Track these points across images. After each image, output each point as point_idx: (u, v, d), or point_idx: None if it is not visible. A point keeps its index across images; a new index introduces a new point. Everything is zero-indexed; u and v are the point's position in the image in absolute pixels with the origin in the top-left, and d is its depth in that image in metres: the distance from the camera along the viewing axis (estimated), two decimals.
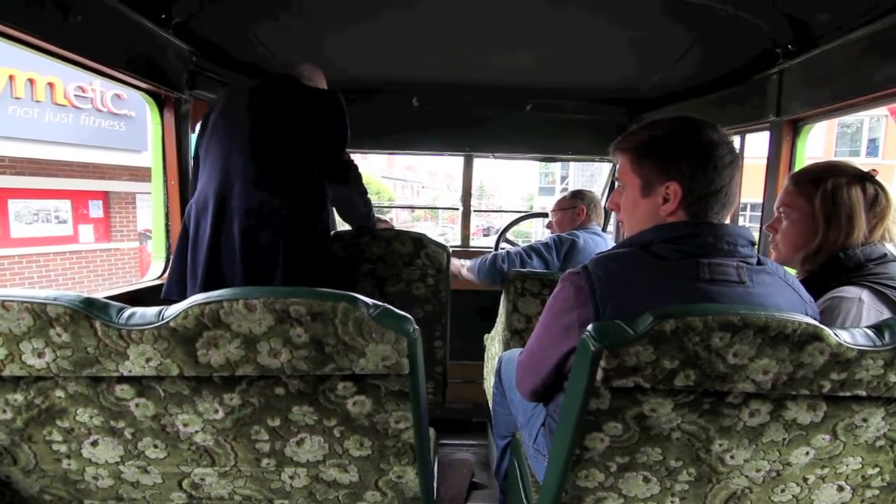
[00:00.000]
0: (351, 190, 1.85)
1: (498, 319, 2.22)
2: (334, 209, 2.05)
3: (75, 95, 7.49)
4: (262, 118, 1.65)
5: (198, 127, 1.96)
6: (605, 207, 2.90)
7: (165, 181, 1.84)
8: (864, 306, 1.02)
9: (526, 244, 2.28)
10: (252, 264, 1.57)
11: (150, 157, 1.91)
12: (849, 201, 1.12)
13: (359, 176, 1.86)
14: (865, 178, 1.14)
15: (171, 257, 1.70)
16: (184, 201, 1.86)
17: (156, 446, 0.85)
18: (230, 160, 1.61)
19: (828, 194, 1.13)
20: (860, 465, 0.86)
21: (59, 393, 0.79)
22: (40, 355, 0.74)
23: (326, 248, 1.77)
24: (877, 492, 0.90)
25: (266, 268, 1.59)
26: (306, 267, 1.65)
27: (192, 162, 1.90)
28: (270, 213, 1.58)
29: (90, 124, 7.76)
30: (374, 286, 2.05)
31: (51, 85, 7.22)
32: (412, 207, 24.98)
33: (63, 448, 0.85)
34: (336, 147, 1.73)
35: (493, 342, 2.29)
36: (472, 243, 3.33)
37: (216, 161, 1.63)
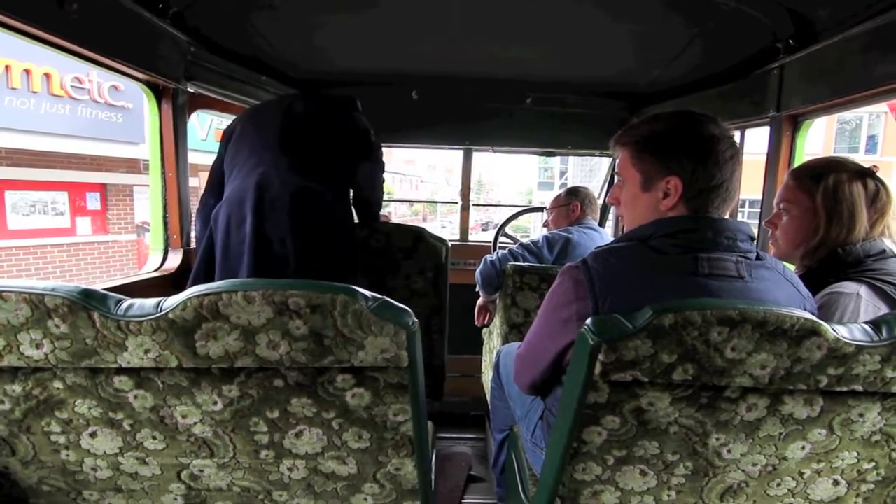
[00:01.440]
0: (377, 167, 1.95)
1: (496, 313, 2.22)
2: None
3: (72, 86, 7.43)
4: (291, 117, 1.71)
5: (191, 118, 1.95)
6: (604, 202, 2.90)
7: (164, 173, 1.83)
8: (862, 302, 1.02)
9: (517, 244, 2.29)
10: (305, 245, 1.59)
11: (147, 148, 1.90)
12: (850, 197, 1.12)
13: (382, 154, 1.98)
14: (866, 174, 1.14)
15: (195, 264, 1.68)
16: (182, 193, 1.85)
17: (154, 438, 0.85)
18: (265, 158, 1.63)
19: (829, 190, 1.13)
20: (856, 460, 0.87)
21: (58, 384, 0.79)
22: (38, 346, 0.74)
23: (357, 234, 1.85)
24: (872, 486, 0.90)
25: (317, 248, 1.62)
26: (352, 248, 1.73)
27: (189, 155, 1.89)
28: (315, 195, 1.63)
29: (87, 115, 7.70)
30: (373, 279, 2.05)
31: (47, 75, 7.15)
32: (410, 201, 24.93)
33: (61, 439, 0.85)
34: (363, 128, 1.82)
35: (492, 336, 2.30)
36: (470, 237, 3.33)
37: (247, 162, 1.65)
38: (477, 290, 2.31)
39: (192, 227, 1.87)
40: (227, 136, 1.75)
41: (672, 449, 0.86)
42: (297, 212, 1.57)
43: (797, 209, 1.19)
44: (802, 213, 1.17)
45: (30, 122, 7.07)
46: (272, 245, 1.57)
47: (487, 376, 2.14)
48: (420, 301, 2.08)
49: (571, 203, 2.40)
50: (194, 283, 1.62)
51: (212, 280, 1.58)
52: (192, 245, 1.91)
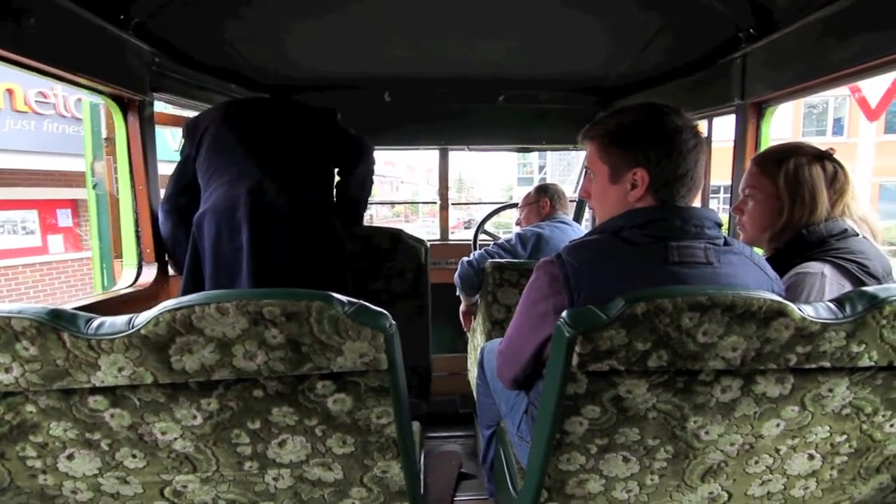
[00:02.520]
0: (370, 170, 1.98)
1: (479, 311, 2.23)
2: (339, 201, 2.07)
3: (36, 101, 7.23)
4: (275, 124, 1.69)
5: (159, 131, 1.91)
6: (579, 196, 2.94)
7: (133, 186, 1.79)
8: (827, 280, 1.05)
9: (493, 243, 2.31)
10: (302, 255, 1.59)
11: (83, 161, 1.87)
12: (811, 179, 1.16)
13: (373, 155, 2.02)
14: (824, 157, 1.18)
15: (183, 280, 1.65)
16: (153, 206, 1.82)
17: (134, 456, 0.84)
18: (250, 165, 1.60)
19: (790, 173, 1.17)
20: (828, 434, 0.89)
21: (31, 408, 0.77)
22: (7, 370, 0.72)
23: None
24: (845, 458, 0.93)
25: (315, 258, 1.62)
26: (342, 257, 1.74)
27: (156, 167, 1.85)
28: (310, 204, 1.63)
29: (54, 130, 7.50)
30: (353, 283, 2.04)
31: (10, 91, 6.94)
32: (392, 203, 24.85)
33: (38, 463, 0.83)
34: (353, 135, 1.87)
35: (476, 334, 2.31)
36: (452, 236, 3.33)
37: (230, 169, 1.61)
38: (457, 293, 2.31)
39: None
40: (198, 135, 1.70)
41: (652, 434, 0.88)
42: (293, 221, 1.56)
43: (761, 194, 1.22)
44: (766, 197, 1.21)
45: None
46: (269, 256, 1.55)
47: (473, 374, 2.15)
48: (402, 302, 2.08)
49: (541, 200, 2.47)
50: (184, 288, 1.62)
51: (202, 290, 1.57)
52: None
